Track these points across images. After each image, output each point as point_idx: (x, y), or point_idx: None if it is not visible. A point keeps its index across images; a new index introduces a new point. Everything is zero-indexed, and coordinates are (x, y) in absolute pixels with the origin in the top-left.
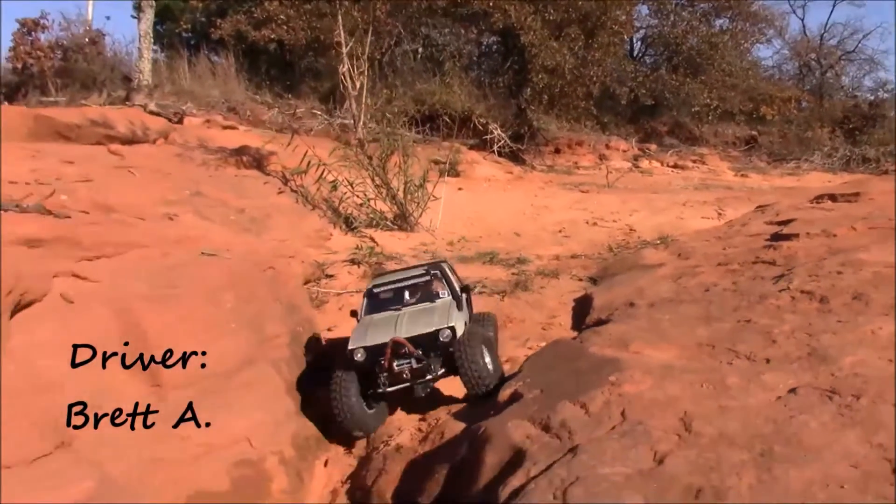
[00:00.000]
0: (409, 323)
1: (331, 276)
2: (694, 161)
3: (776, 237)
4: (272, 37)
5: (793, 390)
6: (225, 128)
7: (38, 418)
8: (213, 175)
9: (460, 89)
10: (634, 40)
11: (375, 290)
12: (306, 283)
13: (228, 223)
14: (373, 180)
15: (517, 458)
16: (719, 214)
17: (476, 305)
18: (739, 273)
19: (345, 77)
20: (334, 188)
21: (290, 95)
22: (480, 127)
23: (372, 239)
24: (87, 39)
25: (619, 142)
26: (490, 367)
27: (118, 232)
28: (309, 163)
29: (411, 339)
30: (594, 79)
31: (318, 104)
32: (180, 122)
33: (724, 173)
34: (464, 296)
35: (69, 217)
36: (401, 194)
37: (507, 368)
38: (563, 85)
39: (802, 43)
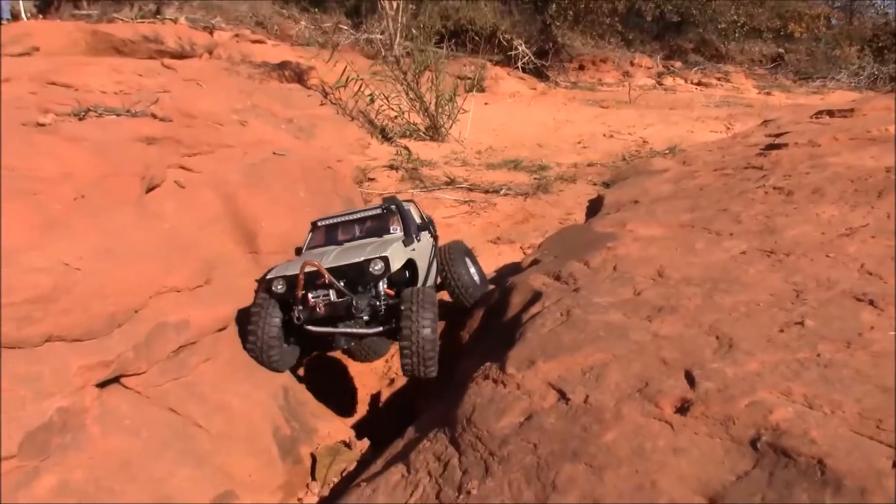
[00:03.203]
0: (340, 254)
1: (372, 179)
2: (718, 79)
3: (768, 147)
4: None
5: (743, 252)
6: (253, 42)
7: (193, 261)
8: (259, 88)
9: (486, 5)
10: None
11: (320, 224)
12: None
13: (281, 131)
14: (407, 94)
15: (535, 297)
16: (728, 128)
17: (502, 206)
18: (731, 176)
19: None
20: (371, 101)
21: (316, 10)
22: (505, 43)
23: (406, 148)
24: None
25: (643, 59)
26: (436, 339)
27: (208, 134)
28: (348, 78)
29: (337, 270)
30: None
31: (345, 18)
32: (210, 35)
33: (747, 91)
34: (425, 233)
35: (171, 121)
36: (433, 107)
37: (529, 252)
38: (588, 1)
39: None
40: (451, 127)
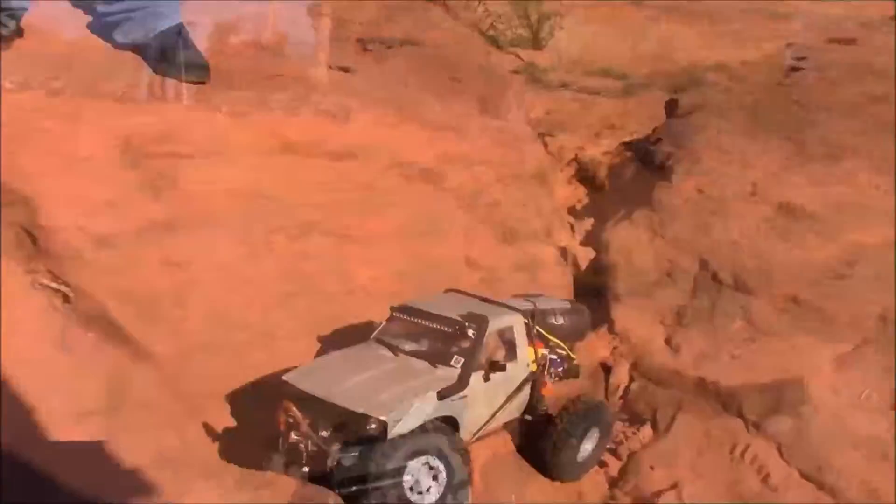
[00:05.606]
0: (363, 384)
1: None
2: None
3: None
4: None
5: None
6: None
7: None
8: None
9: None
10: None
11: (396, 314)
12: None
13: None
14: None
15: None
16: None
17: None
18: None
19: None
20: None
21: None
22: None
23: None
24: None
25: None
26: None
27: None
28: None
29: (336, 410)
30: None
31: None
32: None
33: None
34: (515, 364)
35: None
36: None
37: None
38: None
39: None
40: None
